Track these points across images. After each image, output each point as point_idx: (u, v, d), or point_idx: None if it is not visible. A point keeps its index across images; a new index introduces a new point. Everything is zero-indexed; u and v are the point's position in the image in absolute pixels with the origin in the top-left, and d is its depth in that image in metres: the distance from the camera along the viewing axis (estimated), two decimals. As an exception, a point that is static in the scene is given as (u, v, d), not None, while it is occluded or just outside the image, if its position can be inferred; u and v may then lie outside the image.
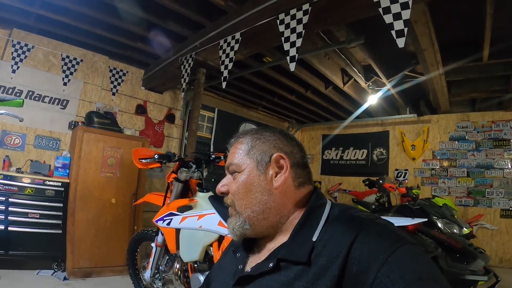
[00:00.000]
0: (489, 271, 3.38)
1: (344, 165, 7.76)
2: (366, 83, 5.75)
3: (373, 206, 4.56)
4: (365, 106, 6.46)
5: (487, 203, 5.76)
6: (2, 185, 3.67)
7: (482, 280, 3.29)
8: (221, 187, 1.02)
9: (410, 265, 0.66)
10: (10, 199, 3.67)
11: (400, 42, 2.30)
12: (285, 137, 1.00)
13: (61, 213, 3.94)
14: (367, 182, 4.93)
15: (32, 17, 4.17)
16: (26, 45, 4.39)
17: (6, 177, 3.73)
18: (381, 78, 5.31)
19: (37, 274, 3.75)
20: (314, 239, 0.81)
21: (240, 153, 0.99)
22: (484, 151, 5.94)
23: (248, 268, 0.94)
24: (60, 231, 3.91)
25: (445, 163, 6.29)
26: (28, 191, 3.80)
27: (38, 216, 3.80)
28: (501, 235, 5.55)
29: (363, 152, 7.45)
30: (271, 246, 0.93)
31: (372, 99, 6.19)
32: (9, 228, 3.62)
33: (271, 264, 0.84)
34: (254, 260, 0.95)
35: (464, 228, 3.74)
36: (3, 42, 4.37)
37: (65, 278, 3.75)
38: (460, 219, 4.16)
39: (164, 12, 3.98)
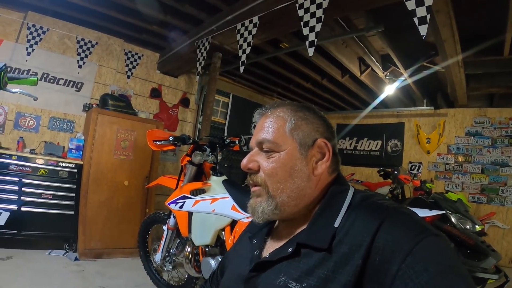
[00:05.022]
0: (500, 270, 3.32)
1: (357, 155, 7.64)
2: (383, 73, 5.63)
3: (387, 198, 4.51)
4: (382, 96, 6.34)
5: (500, 201, 5.64)
6: (15, 166, 3.70)
7: (492, 278, 3.23)
8: (248, 162, 0.92)
9: (434, 257, 0.64)
10: (23, 180, 3.71)
11: (423, 30, 2.23)
12: (325, 122, 0.95)
13: (73, 194, 3.97)
14: (382, 173, 4.87)
15: (47, -1, 4.16)
16: (41, 27, 4.39)
17: (20, 158, 3.76)
18: (399, 68, 5.19)
19: (49, 254, 3.80)
20: (336, 225, 0.78)
21: (281, 131, 0.89)
22: (500, 148, 5.79)
23: (265, 254, 0.91)
24: (73, 212, 3.95)
25: (460, 158, 6.16)
26: (42, 172, 3.84)
27: (51, 197, 3.84)
28: (513, 235, 5.45)
29: (377, 143, 7.33)
30: (291, 232, 0.89)
31: (389, 90, 6.07)
32: (22, 209, 3.67)
33: (290, 249, 0.81)
34: (272, 246, 0.92)
35: (477, 225, 3.68)
36: (18, 24, 4.38)
37: (76, 259, 3.79)
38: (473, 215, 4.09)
39: (181, -5, 3.94)
